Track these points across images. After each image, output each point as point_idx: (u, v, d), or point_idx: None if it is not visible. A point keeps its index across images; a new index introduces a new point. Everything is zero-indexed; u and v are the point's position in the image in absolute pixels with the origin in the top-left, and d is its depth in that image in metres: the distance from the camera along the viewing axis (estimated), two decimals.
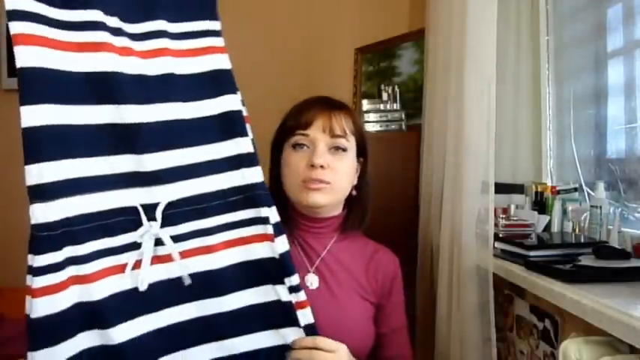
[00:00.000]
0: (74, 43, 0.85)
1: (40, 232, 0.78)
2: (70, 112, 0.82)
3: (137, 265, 0.86)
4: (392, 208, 1.92)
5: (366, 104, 2.06)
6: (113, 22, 0.89)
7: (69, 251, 0.80)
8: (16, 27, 0.80)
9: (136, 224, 0.86)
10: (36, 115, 0.80)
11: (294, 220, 1.10)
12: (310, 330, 0.91)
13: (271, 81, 2.30)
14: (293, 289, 0.91)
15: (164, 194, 0.87)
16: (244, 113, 0.94)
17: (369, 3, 2.42)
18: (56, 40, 0.83)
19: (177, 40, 0.94)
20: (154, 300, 0.86)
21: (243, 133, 0.92)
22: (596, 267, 1.02)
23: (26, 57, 0.80)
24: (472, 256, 1.35)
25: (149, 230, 0.85)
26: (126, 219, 0.85)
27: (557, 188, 1.51)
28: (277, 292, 0.90)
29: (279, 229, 0.92)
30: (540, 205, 1.54)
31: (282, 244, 0.91)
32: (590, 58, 1.55)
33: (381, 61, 2.36)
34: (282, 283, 0.90)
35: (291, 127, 1.05)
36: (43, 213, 0.78)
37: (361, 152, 1.12)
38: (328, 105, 1.07)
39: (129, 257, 0.85)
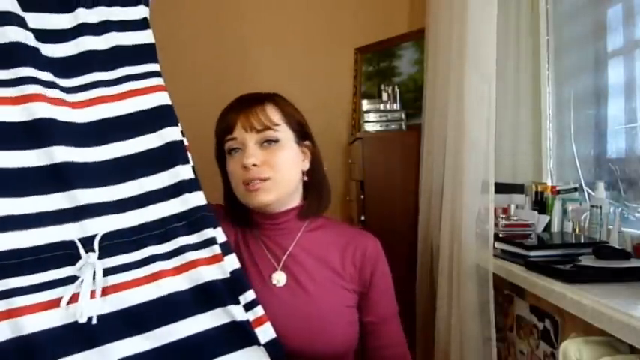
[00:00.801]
0: (9, 98, 0.89)
1: None
2: (2, 157, 0.86)
3: (75, 297, 0.83)
4: (392, 208, 1.92)
5: (366, 104, 2.06)
6: (46, 76, 0.93)
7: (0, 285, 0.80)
8: None
9: (74, 258, 0.85)
10: None
11: (255, 222, 1.09)
12: (272, 346, 0.89)
13: (271, 81, 2.30)
14: (249, 306, 0.90)
15: (100, 226, 0.88)
16: (185, 143, 0.97)
17: (369, 3, 2.42)
18: None
19: (115, 86, 0.98)
20: (99, 334, 0.82)
21: (185, 162, 0.95)
22: (596, 267, 1.02)
23: None
24: (472, 255, 1.35)
25: (87, 261, 0.85)
26: (63, 253, 0.85)
27: (557, 188, 1.51)
28: (231, 313, 0.88)
29: (227, 248, 0.92)
30: (540, 205, 1.54)
31: (232, 262, 0.91)
32: (590, 58, 1.55)
33: (381, 61, 2.36)
34: (237, 302, 0.89)
35: (219, 135, 1.06)
36: None
37: (303, 136, 1.09)
38: (246, 102, 1.06)
39: (66, 290, 0.84)
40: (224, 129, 1.05)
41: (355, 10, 2.43)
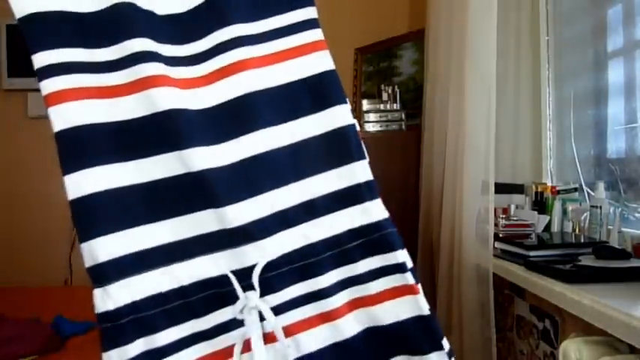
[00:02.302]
0: (117, 87, 0.66)
1: (101, 323, 0.61)
2: (123, 171, 0.65)
3: (244, 349, 0.65)
4: (392, 207, 1.92)
5: (366, 104, 2.06)
6: (167, 49, 0.70)
7: (143, 344, 0.62)
8: (49, 85, 0.64)
9: (229, 297, 0.65)
10: (84, 183, 0.63)
11: None
12: None
13: None
14: (452, 354, 0.68)
15: (259, 253, 0.66)
16: (357, 128, 0.73)
17: (369, 3, 2.42)
18: (97, 87, 0.66)
19: (260, 44, 0.71)
20: None
21: (361, 156, 0.70)
22: (596, 267, 1.02)
23: (63, 117, 0.64)
24: (472, 255, 1.35)
25: (247, 304, 0.64)
26: (215, 292, 0.65)
27: (557, 188, 1.51)
28: None
29: (416, 276, 0.70)
30: (540, 205, 1.54)
31: (423, 297, 0.69)
32: (590, 58, 1.55)
33: (381, 61, 2.36)
34: (441, 347, 0.66)
35: None
36: (102, 300, 0.61)
37: None
38: None
39: (226, 340, 0.65)
40: None
41: (355, 10, 2.43)
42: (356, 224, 0.68)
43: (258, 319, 0.64)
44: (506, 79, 1.69)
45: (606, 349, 0.86)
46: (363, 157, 0.71)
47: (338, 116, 0.71)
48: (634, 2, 1.35)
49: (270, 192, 0.67)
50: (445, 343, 0.67)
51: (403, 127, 1.99)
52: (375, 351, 0.66)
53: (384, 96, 2.06)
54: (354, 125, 0.72)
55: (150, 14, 0.69)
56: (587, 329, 0.91)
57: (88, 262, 0.62)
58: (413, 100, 2.11)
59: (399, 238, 0.71)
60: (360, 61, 2.43)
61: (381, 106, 2.03)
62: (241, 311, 0.65)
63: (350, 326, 0.66)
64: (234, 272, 0.65)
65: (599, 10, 1.50)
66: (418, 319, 0.67)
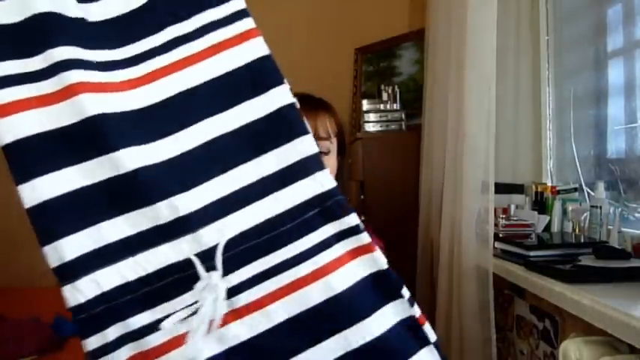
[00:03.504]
0: (45, 96, 0.68)
1: (76, 315, 0.67)
2: (72, 175, 0.69)
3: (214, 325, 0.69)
4: (392, 208, 1.92)
5: (366, 104, 2.06)
6: (97, 54, 0.72)
7: (119, 328, 0.67)
8: None
9: (195, 279, 0.69)
10: (38, 191, 0.67)
11: None
12: (439, 349, 0.74)
13: None
14: (412, 302, 0.72)
15: (217, 234, 0.70)
16: (297, 106, 0.76)
17: (369, 3, 2.42)
18: (36, 96, 0.68)
19: (194, 42, 0.75)
20: None
21: (304, 130, 0.74)
22: (596, 267, 1.02)
23: (9, 130, 0.67)
24: (472, 256, 1.35)
25: (209, 283, 0.68)
26: (181, 276, 0.69)
27: (557, 188, 1.51)
28: (403, 309, 0.71)
29: (370, 235, 0.74)
30: (540, 205, 1.54)
31: (380, 251, 0.74)
32: (590, 58, 1.55)
33: (381, 61, 2.36)
34: (402, 295, 0.71)
35: None
36: (73, 296, 0.66)
37: (341, 150, 1.10)
38: (313, 105, 1.04)
39: (197, 320, 0.69)
40: None
41: (355, 10, 2.43)
42: (309, 195, 0.71)
43: (218, 297, 0.68)
44: (506, 79, 1.69)
45: (606, 349, 0.86)
46: (306, 132, 0.74)
47: (277, 97, 0.74)
48: (634, 2, 1.35)
49: (220, 176, 0.71)
50: (405, 291, 0.71)
51: (403, 127, 1.99)
52: (348, 309, 0.70)
53: (384, 96, 2.06)
54: (293, 104, 0.74)
55: (78, 21, 0.71)
56: (587, 329, 0.91)
57: (54, 263, 0.66)
58: (413, 100, 2.11)
59: (349, 204, 0.73)
60: (360, 61, 2.43)
61: (381, 106, 2.03)
62: (201, 292, 0.68)
63: (325, 289, 0.70)
64: (197, 255, 0.68)
65: (599, 10, 1.50)
66: (378, 274, 0.71)
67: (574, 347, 0.88)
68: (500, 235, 1.34)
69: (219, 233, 0.69)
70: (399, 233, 1.88)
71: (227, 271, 0.69)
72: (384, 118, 1.98)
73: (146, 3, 0.75)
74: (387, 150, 1.94)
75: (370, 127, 1.98)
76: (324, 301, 0.69)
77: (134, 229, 0.69)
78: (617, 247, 1.16)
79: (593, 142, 1.54)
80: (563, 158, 1.67)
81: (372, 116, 1.99)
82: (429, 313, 1.67)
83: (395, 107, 2.02)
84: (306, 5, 2.42)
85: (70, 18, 0.71)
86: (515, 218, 1.45)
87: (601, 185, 1.29)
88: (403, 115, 1.99)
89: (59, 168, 0.68)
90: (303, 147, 0.73)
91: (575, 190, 1.51)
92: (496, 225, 1.39)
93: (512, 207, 1.52)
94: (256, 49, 0.76)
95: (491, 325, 1.28)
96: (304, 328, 0.70)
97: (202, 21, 0.76)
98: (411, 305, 0.70)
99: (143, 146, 0.70)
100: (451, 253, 1.45)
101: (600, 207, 1.27)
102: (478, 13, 1.35)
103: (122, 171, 0.68)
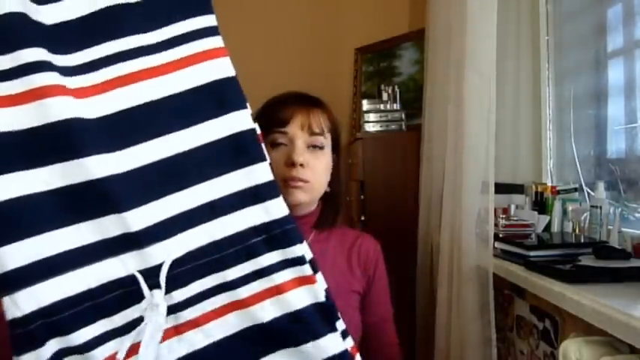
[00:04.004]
0: (9, 97, 0.66)
1: (13, 330, 0.64)
2: (25, 180, 0.66)
3: (135, 349, 0.70)
4: (392, 208, 1.92)
5: (366, 104, 2.06)
6: (59, 58, 0.70)
7: (56, 344, 0.65)
8: None
9: (139, 296, 0.70)
10: None
11: None
12: None
13: (271, 81, 2.29)
14: (345, 333, 0.74)
15: (164, 252, 0.70)
16: (258, 131, 0.75)
17: (369, 3, 2.43)
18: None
19: (158, 53, 0.73)
20: None
21: (261, 158, 0.73)
22: (596, 267, 1.02)
23: None
24: (472, 256, 1.35)
25: (152, 302, 0.69)
26: (124, 292, 0.69)
27: (557, 188, 1.51)
28: (331, 344, 0.72)
29: (316, 266, 0.75)
30: (540, 205, 1.54)
31: (322, 283, 0.75)
32: (590, 58, 1.55)
33: (381, 61, 2.36)
34: (335, 329, 0.73)
35: (268, 125, 1.00)
36: (10, 308, 0.64)
37: (335, 148, 1.10)
38: (306, 101, 1.05)
39: (139, 336, 0.69)
40: (278, 121, 1.01)
41: (355, 10, 2.43)
42: (258, 222, 0.72)
43: (160, 315, 0.69)
44: (506, 79, 1.69)
45: (606, 349, 0.86)
46: (264, 159, 0.74)
47: (237, 121, 0.73)
48: (634, 2, 1.35)
49: (172, 195, 0.71)
50: (340, 324, 0.73)
51: (403, 127, 1.99)
52: (283, 334, 0.72)
53: (384, 96, 2.06)
54: (254, 130, 0.74)
55: (39, 24, 0.70)
56: (587, 329, 0.91)
57: None
58: (413, 100, 2.11)
59: (297, 234, 0.74)
60: (360, 61, 2.43)
61: (381, 106, 2.03)
62: (145, 310, 0.69)
63: (262, 313, 0.71)
64: (141, 272, 0.69)
65: (599, 10, 1.50)
66: (316, 306, 0.73)
67: (574, 347, 0.88)
68: (500, 235, 1.34)
69: (165, 252, 0.70)
70: (399, 233, 1.88)
71: (170, 289, 0.70)
72: (384, 118, 1.98)
73: (108, 8, 0.72)
74: (387, 150, 1.94)
75: (370, 127, 1.98)
76: (264, 323, 0.71)
77: (82, 241, 0.68)
78: (617, 247, 1.16)
79: (593, 142, 1.54)
80: (563, 158, 1.67)
81: (372, 116, 1.99)
82: (429, 313, 1.67)
83: (395, 107, 2.02)
84: (307, 5, 2.42)
85: (34, 20, 0.69)
86: (515, 218, 1.45)
87: (601, 185, 1.29)
88: (403, 115, 1.99)
89: (12, 171, 0.66)
90: (258, 174, 0.72)
91: (575, 190, 1.51)
92: (496, 225, 1.39)
93: (512, 207, 1.52)
94: (222, 68, 0.74)
95: (492, 325, 1.28)
96: (241, 346, 0.71)
97: (170, 33, 0.73)
98: (344, 338, 0.73)
99: (105, 155, 0.68)
100: (451, 253, 1.45)
101: (600, 207, 1.27)
102: (478, 13, 1.35)
103: (84, 179, 0.67)
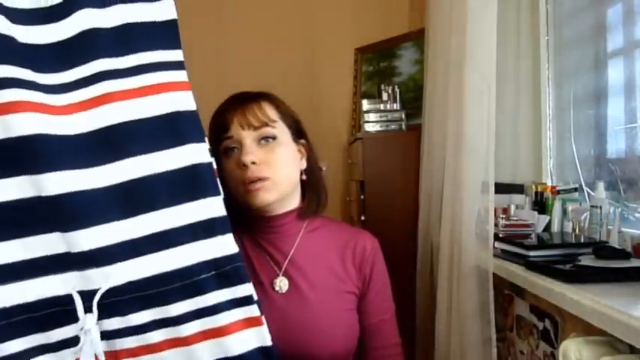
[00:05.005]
0: None
1: None
2: None
3: None
4: (392, 208, 1.92)
5: (366, 104, 2.06)
6: (28, 74, 0.70)
7: None
8: None
9: (74, 316, 0.70)
10: None
11: (255, 226, 1.05)
12: None
13: (271, 81, 2.29)
14: None
15: (103, 278, 0.69)
16: (214, 166, 0.76)
17: (369, 3, 2.42)
18: None
19: (126, 78, 0.74)
20: None
21: (215, 192, 0.73)
22: (596, 267, 1.02)
23: None
24: (472, 256, 1.35)
25: (84, 326, 0.69)
26: (61, 310, 0.69)
27: (557, 188, 1.51)
28: None
29: (261, 309, 0.75)
30: (540, 205, 1.54)
31: (267, 328, 0.75)
32: (590, 58, 1.55)
33: (381, 61, 2.36)
34: None
35: (214, 136, 1.00)
36: None
37: (299, 134, 1.08)
38: (240, 100, 1.03)
39: (69, 355, 0.70)
40: (219, 128, 1.00)
41: (355, 10, 2.43)
42: (208, 256, 0.72)
43: (92, 339, 0.69)
44: (506, 79, 1.69)
45: (606, 349, 0.86)
46: (218, 194, 0.74)
47: (194, 153, 0.73)
48: (634, 2, 1.35)
49: (121, 220, 0.70)
50: None
51: (403, 127, 1.99)
52: None
53: (384, 96, 2.06)
54: (210, 164, 0.74)
55: (10, 38, 0.70)
56: (587, 329, 0.91)
57: None
58: (413, 100, 2.11)
59: (247, 273, 0.74)
60: (360, 61, 2.43)
61: (381, 106, 2.03)
62: (80, 331, 0.70)
63: (201, 354, 0.71)
64: (81, 292, 0.69)
65: (599, 10, 1.50)
66: (261, 350, 0.73)
67: (574, 347, 0.88)
68: (500, 235, 1.34)
69: (104, 278, 0.69)
70: (399, 233, 1.88)
71: (106, 316, 0.70)
72: (384, 118, 1.98)
73: (84, 32, 0.74)
74: (387, 150, 1.94)
75: (370, 127, 1.98)
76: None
77: (26, 255, 0.68)
78: (617, 247, 1.16)
79: (593, 142, 1.54)
80: (563, 158, 1.67)
81: (372, 116, 1.99)
82: (429, 313, 1.67)
83: (395, 107, 2.02)
84: (306, 5, 2.42)
85: (6, 35, 0.70)
86: (515, 218, 1.45)
87: (601, 185, 1.29)
88: (403, 115, 1.99)
89: None
90: (212, 207, 0.73)
91: (575, 190, 1.51)
92: (496, 225, 1.39)
93: (512, 207, 1.52)
94: (184, 101, 0.74)
95: (492, 325, 1.28)
96: None
97: (139, 60, 0.75)
98: None
99: (62, 173, 0.68)
100: (451, 253, 1.45)
101: (600, 207, 1.27)
102: (478, 13, 1.35)
103: (36, 194, 0.67)
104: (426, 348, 1.71)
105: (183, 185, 0.72)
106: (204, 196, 0.73)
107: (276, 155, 1.00)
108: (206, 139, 0.76)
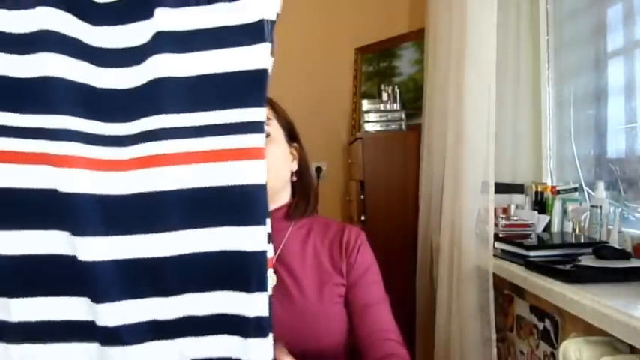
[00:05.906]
0: (18, 154, 0.63)
1: None
2: (16, 239, 0.65)
3: None
4: (392, 208, 1.92)
5: (366, 104, 2.06)
6: (91, 125, 0.65)
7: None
8: None
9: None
10: None
11: None
12: None
13: (271, 81, 2.30)
14: None
15: (124, 358, 0.66)
16: (270, 255, 0.66)
17: (369, 3, 2.42)
18: (6, 151, 0.64)
19: (191, 139, 0.64)
20: None
21: (260, 288, 0.65)
22: (596, 267, 1.02)
23: None
24: (472, 256, 1.35)
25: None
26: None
27: (557, 188, 1.51)
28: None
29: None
30: (540, 205, 1.54)
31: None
32: (590, 58, 1.55)
33: (381, 61, 2.36)
34: None
35: None
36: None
37: (292, 137, 1.08)
38: None
39: None
40: None
41: (355, 10, 2.43)
42: (234, 355, 0.65)
43: None
44: (506, 79, 1.69)
45: (606, 349, 0.86)
46: (263, 290, 0.64)
47: (250, 239, 0.63)
48: (634, 2, 1.35)
49: (151, 298, 0.65)
50: None
51: (403, 127, 1.99)
52: None
53: (384, 96, 2.06)
54: (264, 252, 0.64)
55: (85, 87, 0.65)
56: (587, 329, 0.91)
57: None
58: (413, 100, 2.11)
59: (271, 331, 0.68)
60: (360, 61, 2.43)
61: (381, 106, 2.03)
62: None
63: None
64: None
65: (599, 10, 1.50)
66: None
67: (574, 347, 0.88)
68: (500, 235, 1.34)
69: (126, 358, 0.64)
70: (399, 233, 1.88)
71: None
72: (384, 118, 1.98)
73: (159, 79, 0.64)
74: (387, 150, 1.94)
75: (370, 127, 1.98)
76: None
77: (48, 316, 0.65)
78: (617, 247, 1.16)
79: (593, 142, 1.54)
80: (563, 158, 1.67)
81: (372, 116, 1.99)
82: (429, 313, 1.67)
83: (395, 107, 2.02)
84: (306, 5, 2.42)
85: (78, 82, 0.64)
86: (515, 218, 1.45)
87: (601, 185, 1.29)
88: (403, 115, 1.99)
89: (9, 228, 0.63)
90: (250, 305, 0.65)
91: (575, 190, 1.51)
92: (496, 225, 1.39)
93: (512, 207, 1.52)
94: (251, 174, 0.63)
95: (492, 325, 1.28)
96: None
97: (209, 120, 0.63)
98: None
99: (106, 238, 0.63)
100: (451, 253, 1.45)
101: (600, 207, 1.27)
102: (478, 13, 1.35)
103: (77, 256, 0.63)
104: (426, 348, 1.71)
105: (226, 272, 0.64)
106: (246, 290, 0.64)
107: (268, 152, 1.00)
108: (268, 224, 0.64)
